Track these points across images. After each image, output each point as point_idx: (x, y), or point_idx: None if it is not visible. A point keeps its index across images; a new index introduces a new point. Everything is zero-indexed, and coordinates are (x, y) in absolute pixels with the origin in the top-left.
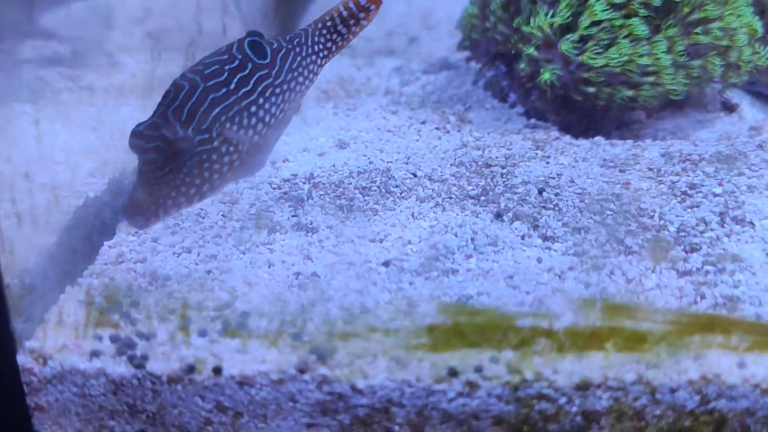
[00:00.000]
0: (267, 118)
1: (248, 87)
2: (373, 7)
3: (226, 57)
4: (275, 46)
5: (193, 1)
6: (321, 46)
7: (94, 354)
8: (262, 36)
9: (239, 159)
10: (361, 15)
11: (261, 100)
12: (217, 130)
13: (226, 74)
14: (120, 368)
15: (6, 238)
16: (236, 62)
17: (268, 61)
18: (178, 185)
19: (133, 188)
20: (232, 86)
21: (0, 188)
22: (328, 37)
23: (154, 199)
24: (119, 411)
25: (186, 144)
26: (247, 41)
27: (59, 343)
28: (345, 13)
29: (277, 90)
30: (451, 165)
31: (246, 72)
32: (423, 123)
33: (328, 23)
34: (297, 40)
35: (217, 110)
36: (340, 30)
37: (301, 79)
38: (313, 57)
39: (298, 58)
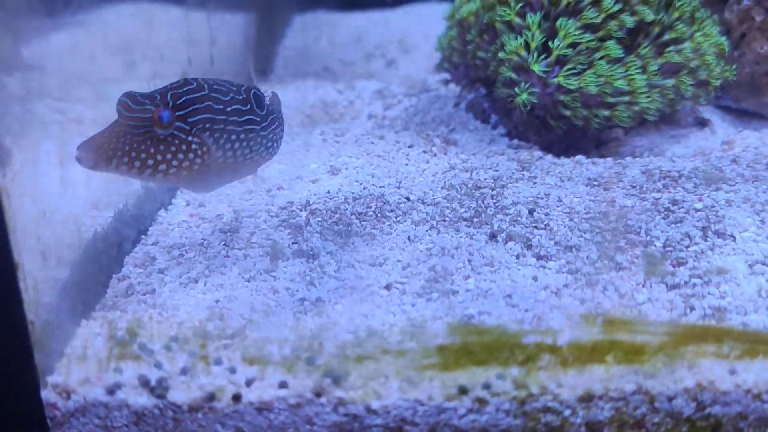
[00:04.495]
0: (236, 154)
1: (239, 119)
2: None
3: (234, 88)
4: (271, 107)
5: (174, 33)
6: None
7: (117, 386)
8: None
9: (199, 166)
10: None
11: (242, 136)
12: (198, 130)
13: (228, 97)
14: (142, 399)
15: (29, 275)
16: (240, 96)
17: (263, 113)
18: (139, 149)
19: (99, 132)
20: (228, 109)
21: (24, 226)
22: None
23: (112, 148)
24: None
25: (165, 122)
26: (253, 91)
27: (82, 376)
28: None
29: (254, 139)
30: (442, 188)
31: (244, 108)
32: (410, 147)
33: None
34: (278, 113)
35: (206, 115)
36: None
37: (269, 144)
38: (278, 139)
39: (277, 129)
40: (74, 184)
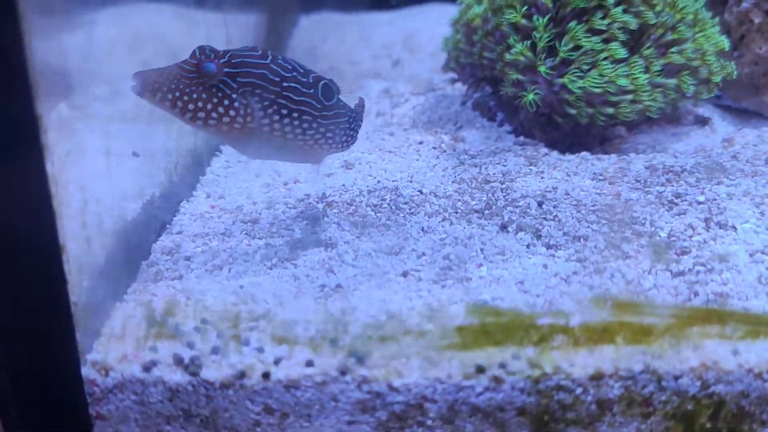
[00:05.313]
0: (285, 129)
1: (294, 97)
2: None
3: (303, 71)
4: (342, 102)
5: (185, 28)
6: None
7: (152, 364)
8: (337, 88)
9: (240, 126)
10: None
11: (294, 114)
12: (245, 91)
13: (290, 75)
14: (176, 376)
15: (73, 259)
16: (305, 79)
17: (327, 103)
18: (184, 91)
19: (157, 68)
20: (285, 84)
21: (70, 213)
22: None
23: (160, 83)
24: (175, 416)
25: (208, 73)
26: (323, 82)
27: (119, 354)
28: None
29: (308, 122)
30: (453, 182)
31: (304, 89)
32: (420, 143)
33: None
34: (353, 114)
35: (258, 81)
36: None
37: (328, 135)
38: (342, 136)
39: (343, 126)
40: (107, 175)
